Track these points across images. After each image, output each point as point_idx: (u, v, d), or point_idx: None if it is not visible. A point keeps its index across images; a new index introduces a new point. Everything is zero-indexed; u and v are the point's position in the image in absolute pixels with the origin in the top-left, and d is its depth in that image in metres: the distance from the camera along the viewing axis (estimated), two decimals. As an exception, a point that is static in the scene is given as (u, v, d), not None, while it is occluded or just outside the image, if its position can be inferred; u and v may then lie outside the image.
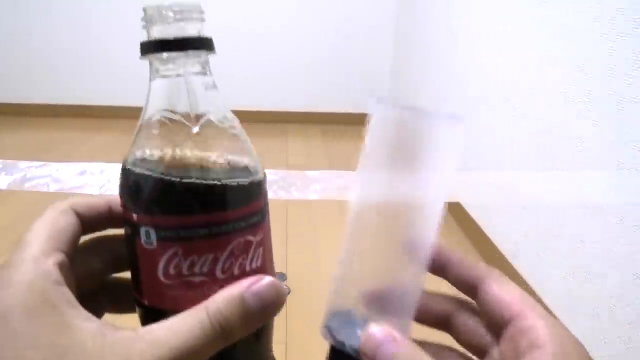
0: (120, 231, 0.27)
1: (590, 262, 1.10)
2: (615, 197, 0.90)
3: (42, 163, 0.48)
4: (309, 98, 3.29)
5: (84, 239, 0.27)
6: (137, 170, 0.25)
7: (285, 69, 3.22)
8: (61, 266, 0.23)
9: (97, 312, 0.27)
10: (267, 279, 0.24)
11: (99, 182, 0.47)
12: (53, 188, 0.47)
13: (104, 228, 0.28)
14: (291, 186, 0.47)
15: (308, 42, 3.19)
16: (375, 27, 3.17)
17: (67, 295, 0.22)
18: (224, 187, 0.24)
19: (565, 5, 1.24)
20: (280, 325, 1.27)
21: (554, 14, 1.30)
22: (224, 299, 0.23)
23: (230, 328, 0.23)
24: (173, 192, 0.24)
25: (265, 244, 0.27)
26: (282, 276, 1.45)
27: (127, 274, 0.28)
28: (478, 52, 1.81)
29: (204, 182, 0.24)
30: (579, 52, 1.17)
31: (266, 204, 0.27)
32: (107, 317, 0.29)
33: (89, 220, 0.27)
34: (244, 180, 0.25)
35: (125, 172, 0.26)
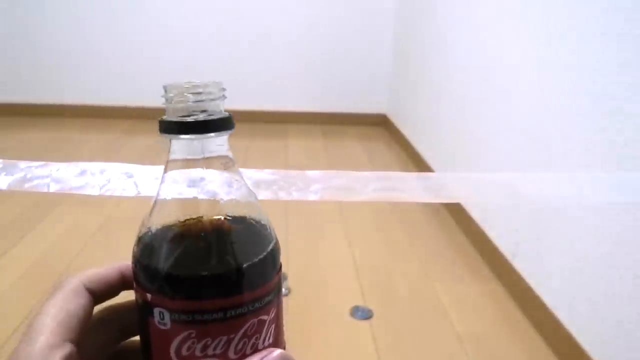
0: (128, 295, 0.27)
1: (590, 262, 1.10)
2: (615, 197, 0.90)
3: (42, 163, 0.48)
4: (309, 98, 3.29)
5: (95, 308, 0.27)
6: (152, 252, 0.25)
7: (285, 69, 3.21)
8: (69, 358, 0.23)
9: None
10: (276, 353, 0.24)
11: (99, 182, 0.47)
12: (53, 188, 0.47)
13: (116, 295, 0.28)
14: (291, 186, 0.47)
15: (308, 43, 3.19)
16: (376, 27, 3.17)
17: None
18: (240, 273, 0.24)
19: (565, 5, 1.24)
20: (280, 325, 1.27)
21: (553, 14, 1.30)
22: None
23: None
24: (188, 280, 0.24)
25: (278, 321, 0.26)
26: (282, 276, 1.45)
27: (134, 339, 0.28)
28: (478, 52, 1.81)
29: (220, 269, 0.24)
30: (579, 53, 1.17)
31: (280, 279, 0.27)
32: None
33: (101, 293, 0.27)
34: (258, 260, 0.25)
35: (140, 252, 0.25)
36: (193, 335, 0.24)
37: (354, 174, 0.52)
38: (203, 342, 0.24)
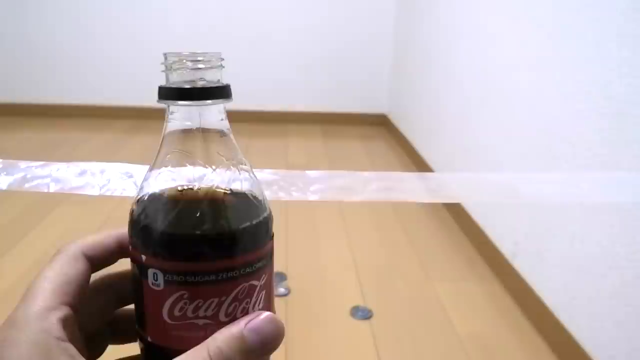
0: (124, 265, 0.28)
1: (590, 262, 1.10)
2: (615, 197, 0.90)
3: (43, 163, 0.48)
4: (309, 98, 3.29)
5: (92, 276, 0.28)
6: (148, 214, 0.25)
7: (285, 69, 3.21)
8: (65, 320, 0.23)
9: (101, 345, 0.29)
10: (264, 314, 0.25)
11: (99, 182, 0.47)
12: (53, 188, 0.47)
13: (113, 262, 0.28)
14: (291, 186, 0.47)
15: (308, 43, 3.19)
16: (376, 27, 3.17)
17: (69, 350, 0.22)
18: (233, 236, 0.25)
19: (565, 5, 1.24)
20: (280, 325, 1.27)
21: (553, 14, 1.30)
22: (224, 338, 0.23)
23: None
24: (182, 240, 0.25)
25: (268, 287, 0.27)
26: (282, 276, 1.45)
27: (129, 307, 0.28)
28: (478, 52, 1.81)
29: (213, 230, 0.25)
30: (578, 53, 1.17)
31: (272, 247, 0.27)
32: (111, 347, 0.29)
33: (99, 260, 0.27)
34: (251, 225, 0.26)
35: (136, 214, 0.26)
36: (185, 296, 0.24)
37: (354, 174, 0.52)
38: (195, 303, 0.24)
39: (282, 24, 3.15)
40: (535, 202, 1.28)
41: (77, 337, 0.24)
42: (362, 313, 1.33)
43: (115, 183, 0.48)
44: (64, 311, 0.24)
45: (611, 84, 1.05)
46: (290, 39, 3.17)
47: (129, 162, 0.50)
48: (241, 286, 0.25)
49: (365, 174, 0.53)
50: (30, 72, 3.20)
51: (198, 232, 0.25)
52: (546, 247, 1.30)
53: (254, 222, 0.26)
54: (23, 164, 0.47)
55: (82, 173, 0.48)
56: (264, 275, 0.26)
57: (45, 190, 0.46)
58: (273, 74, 3.22)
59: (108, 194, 0.47)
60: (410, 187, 0.56)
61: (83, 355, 0.23)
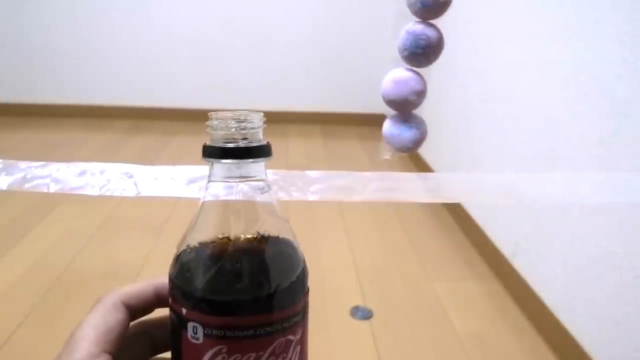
0: (161, 311, 0.28)
1: (590, 262, 1.10)
2: (615, 197, 0.90)
3: (42, 163, 0.48)
4: (309, 98, 3.29)
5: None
6: (189, 268, 0.27)
7: (285, 69, 3.21)
8: None
9: None
10: None
11: (99, 183, 0.47)
12: (53, 188, 0.47)
13: (151, 312, 0.29)
14: (291, 186, 0.47)
15: (308, 43, 3.18)
16: (376, 26, 3.17)
17: None
18: (272, 293, 0.26)
19: (564, 6, 1.24)
20: (280, 325, 1.27)
21: (553, 16, 1.30)
22: None
23: None
24: (222, 296, 0.26)
25: (304, 342, 0.28)
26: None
27: (164, 355, 0.29)
28: (478, 52, 1.81)
29: (253, 287, 0.26)
30: (578, 54, 1.17)
31: (307, 301, 0.28)
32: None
33: (137, 309, 0.28)
34: (289, 282, 0.27)
35: (177, 268, 0.27)
36: (224, 350, 0.25)
37: (354, 174, 0.53)
38: (233, 357, 0.25)
39: (282, 24, 3.15)
40: (535, 202, 1.28)
41: None
42: (362, 313, 1.33)
43: (115, 183, 0.48)
44: (105, 359, 0.25)
45: (611, 85, 1.05)
46: (290, 39, 3.17)
47: (128, 162, 0.50)
48: (278, 341, 0.26)
49: (365, 174, 0.53)
50: (30, 72, 3.20)
51: (238, 288, 0.26)
52: (546, 247, 1.30)
53: (292, 278, 0.27)
54: (23, 164, 0.47)
55: (82, 173, 0.48)
56: (299, 330, 0.27)
57: (45, 191, 0.46)
58: (273, 74, 3.22)
59: (108, 194, 0.47)
60: (410, 187, 0.56)
61: None
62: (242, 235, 0.27)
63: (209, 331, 0.25)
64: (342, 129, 3.21)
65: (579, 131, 1.16)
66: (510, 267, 1.46)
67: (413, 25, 0.24)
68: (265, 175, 0.28)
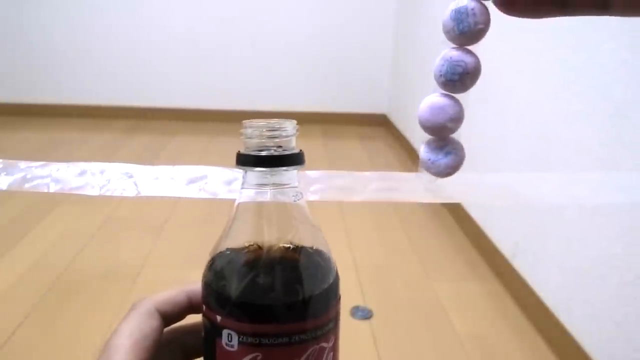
0: (194, 317, 0.29)
1: (590, 262, 1.11)
2: (614, 197, 0.90)
3: (43, 163, 0.48)
4: (309, 98, 3.29)
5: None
6: (224, 276, 0.27)
7: (285, 70, 3.22)
8: None
9: None
10: None
11: (99, 183, 0.47)
12: (53, 188, 0.47)
13: (184, 318, 0.29)
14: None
15: (308, 43, 3.19)
16: (375, 27, 3.17)
17: None
18: (306, 301, 0.26)
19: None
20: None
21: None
22: None
23: None
24: (257, 304, 0.26)
25: (336, 349, 0.28)
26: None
27: None
28: (477, 52, 1.81)
29: (288, 295, 0.26)
30: (577, 55, 1.17)
31: (339, 309, 0.28)
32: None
33: (171, 316, 0.28)
34: (322, 289, 0.27)
35: (211, 275, 0.27)
36: (259, 358, 0.25)
37: (354, 174, 0.53)
38: None
39: (282, 24, 3.15)
40: (535, 202, 1.28)
41: None
42: (362, 313, 1.33)
43: (115, 183, 0.48)
44: None
45: (609, 86, 1.05)
46: (290, 39, 3.17)
47: (128, 162, 0.50)
48: (312, 349, 0.26)
49: (365, 174, 0.53)
50: (29, 72, 3.20)
51: (273, 295, 0.26)
52: (546, 247, 1.30)
53: (325, 286, 0.27)
54: (23, 164, 0.47)
55: (82, 173, 0.48)
56: (332, 337, 0.27)
57: (45, 190, 0.46)
58: (273, 74, 3.22)
59: (108, 194, 0.47)
60: (410, 187, 0.56)
61: None
62: (276, 243, 0.27)
63: (244, 338, 0.25)
64: (342, 129, 3.21)
65: (577, 132, 1.16)
66: (510, 267, 1.46)
67: (449, 52, 0.25)
68: (298, 182, 0.28)
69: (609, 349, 1.05)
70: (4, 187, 0.46)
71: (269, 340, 0.25)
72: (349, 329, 1.29)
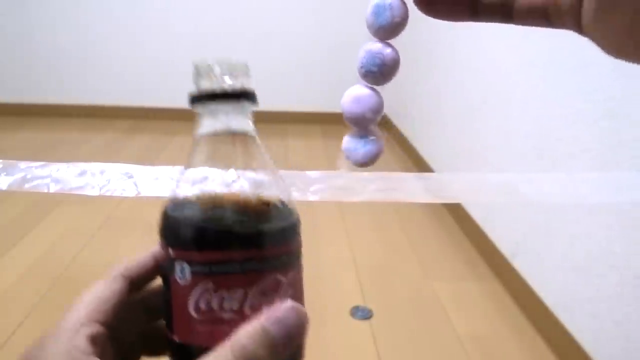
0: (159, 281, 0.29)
1: (590, 262, 1.11)
2: (614, 197, 0.90)
3: (43, 163, 0.48)
4: (309, 98, 3.29)
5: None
6: (176, 209, 0.27)
7: (285, 69, 3.21)
8: (94, 337, 0.24)
9: (135, 358, 0.29)
10: (285, 304, 0.24)
11: (99, 183, 0.47)
12: (53, 188, 0.47)
13: (154, 278, 0.29)
14: (291, 186, 0.47)
15: (308, 42, 3.19)
16: (375, 27, 3.17)
17: None
18: (259, 227, 0.26)
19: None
20: (280, 325, 1.27)
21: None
22: (246, 333, 0.23)
23: None
24: (208, 230, 0.26)
25: (297, 286, 0.28)
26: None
27: (162, 322, 0.29)
28: (478, 53, 1.81)
29: (239, 221, 0.26)
30: (576, 54, 1.17)
31: (300, 246, 0.28)
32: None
33: (139, 278, 0.28)
34: (277, 220, 0.27)
35: (164, 211, 0.27)
36: (210, 287, 0.25)
37: (354, 174, 0.53)
38: (220, 295, 0.25)
39: (281, 23, 3.15)
40: (535, 202, 1.28)
41: (108, 353, 0.25)
42: (362, 313, 1.33)
43: (115, 183, 0.48)
44: (95, 328, 0.25)
45: (609, 85, 1.05)
46: (290, 39, 3.17)
47: (129, 163, 0.50)
48: (266, 279, 0.25)
49: (365, 174, 0.53)
50: (30, 72, 3.20)
51: (223, 223, 0.26)
52: (546, 247, 1.30)
53: (280, 217, 0.27)
54: (23, 164, 0.47)
55: (82, 173, 0.48)
56: (290, 272, 0.27)
57: (45, 191, 0.46)
58: (273, 74, 3.22)
59: (108, 194, 0.47)
60: (410, 188, 0.56)
61: None
62: (231, 178, 0.27)
63: (195, 268, 0.25)
64: (342, 129, 3.20)
65: (577, 132, 1.16)
66: (510, 267, 1.46)
67: (370, 44, 0.27)
68: (253, 122, 0.28)
69: (609, 348, 1.05)
70: (4, 187, 0.46)
71: (219, 268, 0.25)
72: (349, 329, 1.29)
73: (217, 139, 0.27)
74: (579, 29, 0.23)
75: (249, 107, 0.28)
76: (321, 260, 1.62)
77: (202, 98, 0.27)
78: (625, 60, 0.21)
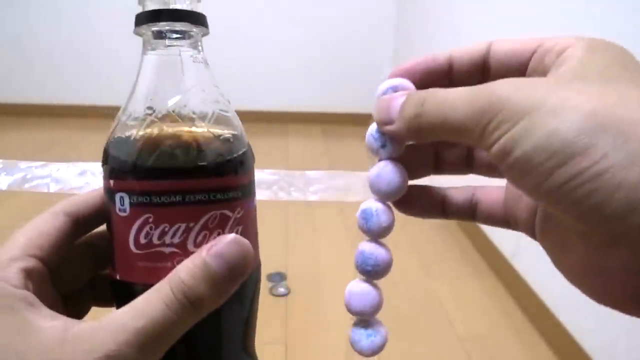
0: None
1: (590, 262, 1.10)
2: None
3: (43, 163, 0.48)
4: (309, 98, 3.29)
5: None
6: (118, 140, 0.26)
7: (285, 69, 3.22)
8: (29, 271, 0.23)
9: (84, 305, 0.28)
10: (228, 237, 0.23)
11: (99, 183, 0.47)
12: (53, 188, 0.47)
13: (101, 223, 0.28)
14: (291, 186, 0.47)
15: (308, 42, 3.19)
16: (376, 26, 3.17)
17: (28, 298, 0.22)
18: (201, 155, 0.24)
19: (565, 6, 1.24)
20: (280, 325, 1.27)
21: (553, 15, 1.30)
22: (185, 268, 0.22)
23: (197, 298, 0.21)
24: (147, 157, 0.24)
25: (247, 224, 0.26)
26: (282, 276, 1.45)
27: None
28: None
29: (182, 149, 0.24)
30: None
31: (250, 183, 0.26)
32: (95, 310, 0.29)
33: (83, 218, 0.27)
34: (222, 150, 0.25)
35: (107, 145, 0.26)
36: (151, 220, 0.23)
37: (354, 174, 0.53)
38: (161, 228, 0.23)
39: (282, 23, 3.15)
40: (535, 202, 1.28)
41: (47, 291, 0.24)
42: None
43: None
44: (29, 262, 0.23)
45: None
46: (290, 39, 3.17)
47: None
48: (211, 213, 0.24)
49: (366, 174, 0.53)
50: (30, 72, 3.20)
51: (164, 150, 0.24)
52: (546, 247, 1.30)
53: (225, 148, 0.25)
54: (23, 164, 0.47)
55: (82, 173, 0.48)
56: (239, 208, 0.25)
57: (45, 191, 0.46)
58: (273, 74, 3.22)
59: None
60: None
61: (57, 310, 0.22)
62: (177, 104, 0.25)
63: (135, 199, 0.23)
64: (342, 129, 3.21)
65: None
66: (510, 267, 1.46)
67: (363, 245, 0.30)
68: (203, 50, 0.27)
69: (609, 348, 1.04)
70: (4, 187, 0.46)
71: (160, 199, 0.23)
72: (349, 329, 1.29)
73: (165, 65, 0.26)
74: (535, 238, 0.27)
75: (198, 31, 0.26)
76: (321, 260, 1.62)
77: (147, 18, 0.25)
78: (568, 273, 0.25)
